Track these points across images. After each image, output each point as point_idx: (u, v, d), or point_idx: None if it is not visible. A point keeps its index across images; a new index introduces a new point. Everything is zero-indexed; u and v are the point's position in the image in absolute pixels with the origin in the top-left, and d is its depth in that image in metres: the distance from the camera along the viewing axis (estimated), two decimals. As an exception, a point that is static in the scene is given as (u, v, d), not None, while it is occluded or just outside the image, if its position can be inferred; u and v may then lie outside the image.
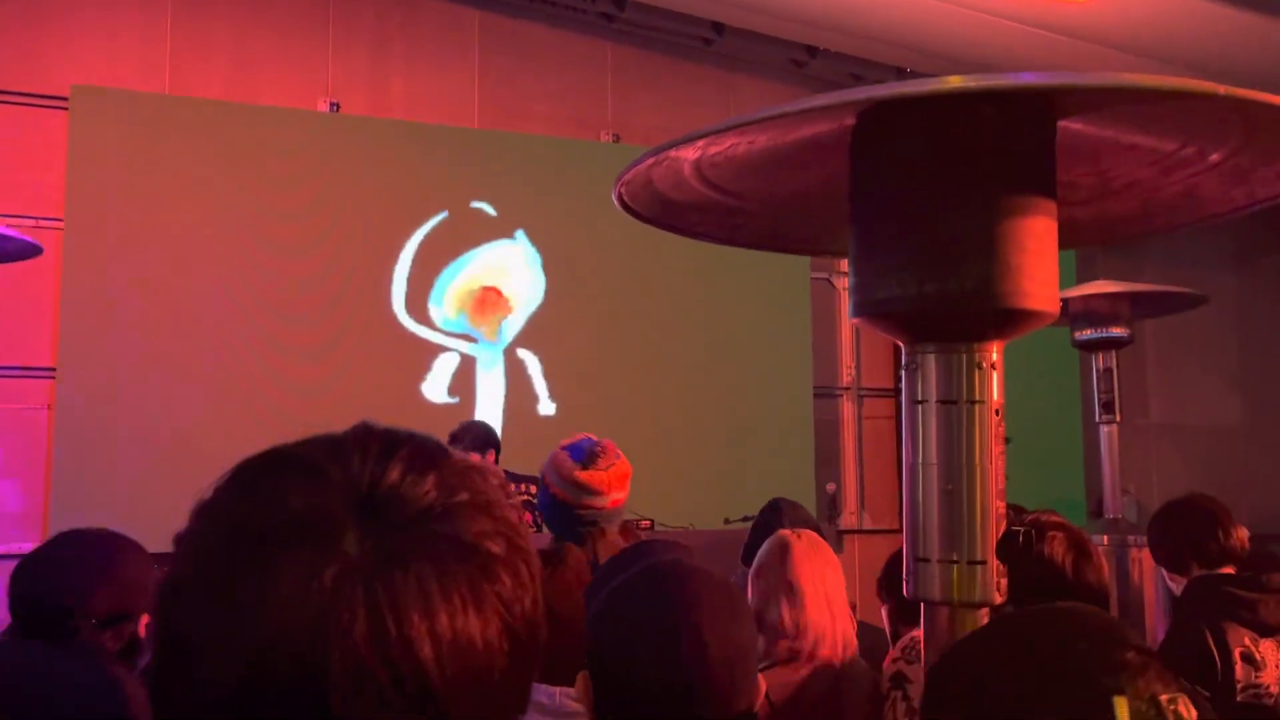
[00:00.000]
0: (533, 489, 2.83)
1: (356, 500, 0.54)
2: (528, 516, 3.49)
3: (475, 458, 3.02)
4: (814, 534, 2.12)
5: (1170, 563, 2.79)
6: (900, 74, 6.49)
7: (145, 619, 1.56)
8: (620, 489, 2.24)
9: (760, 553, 2.10)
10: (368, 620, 0.50)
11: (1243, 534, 2.71)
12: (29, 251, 3.04)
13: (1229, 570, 2.66)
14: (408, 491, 0.55)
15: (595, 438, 2.33)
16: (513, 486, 3.97)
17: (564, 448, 2.29)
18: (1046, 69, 5.75)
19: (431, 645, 0.51)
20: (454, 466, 0.59)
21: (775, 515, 2.70)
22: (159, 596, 0.55)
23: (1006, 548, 1.22)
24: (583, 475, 2.21)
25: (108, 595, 1.54)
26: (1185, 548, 2.73)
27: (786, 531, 2.11)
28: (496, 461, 4.15)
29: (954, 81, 1.02)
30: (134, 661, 1.55)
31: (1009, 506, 1.27)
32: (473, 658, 0.53)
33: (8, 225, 4.71)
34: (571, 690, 1.34)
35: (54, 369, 4.79)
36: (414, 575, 0.52)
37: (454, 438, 4.14)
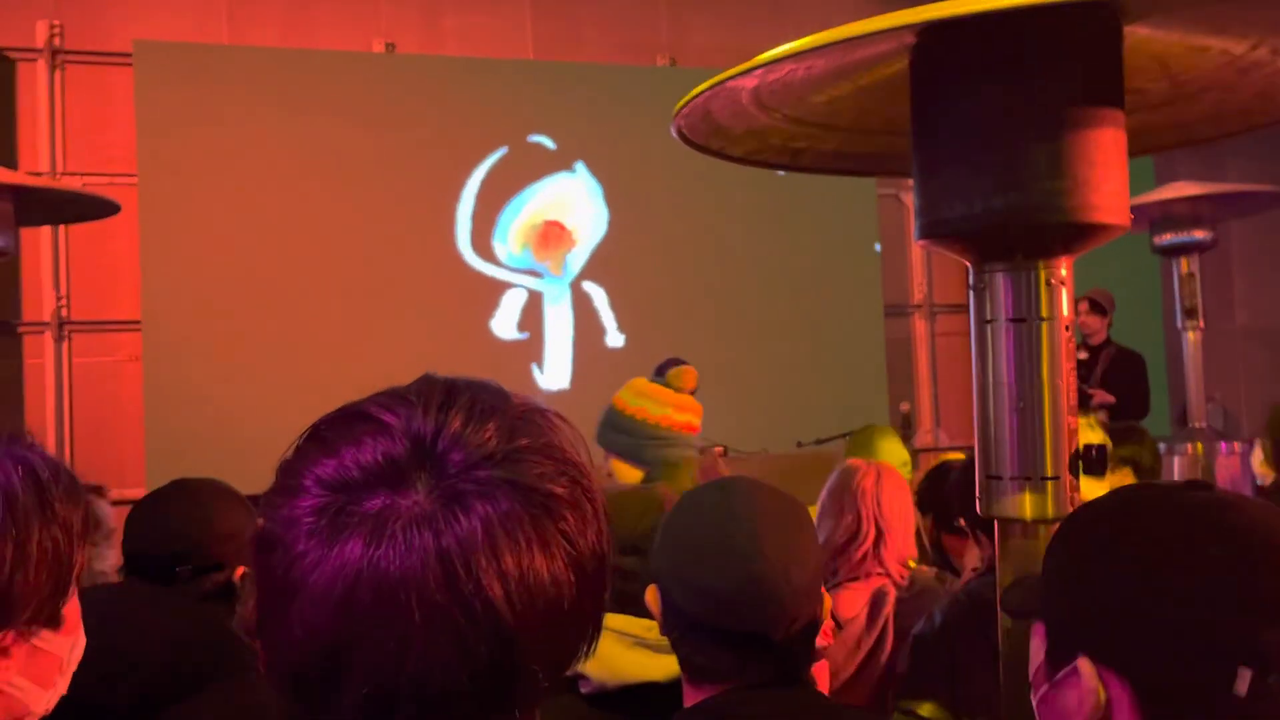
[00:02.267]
0: None
1: (421, 450, 0.58)
2: None
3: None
4: (885, 464, 2.14)
5: None
6: (963, -23, 6.27)
7: (240, 570, 1.64)
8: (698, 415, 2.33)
9: (830, 480, 2.12)
10: (440, 565, 0.54)
11: None
12: (108, 209, 3.12)
13: None
14: (470, 439, 0.58)
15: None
16: None
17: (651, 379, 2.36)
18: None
19: (500, 584, 0.54)
20: (514, 412, 0.61)
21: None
22: (254, 548, 0.60)
23: (1081, 462, 1.22)
24: (675, 397, 2.30)
25: (205, 545, 1.62)
26: None
27: (854, 460, 2.13)
28: None
29: (1014, -5, 1.00)
30: (231, 606, 1.64)
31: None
32: (540, 593, 0.56)
33: (86, 184, 4.86)
34: None
35: (139, 321, 4.96)
36: (478, 519, 0.55)
37: (660, 370, 4.41)
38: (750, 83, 1.29)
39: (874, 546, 1.99)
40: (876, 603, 1.96)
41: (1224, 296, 6.83)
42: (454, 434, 0.58)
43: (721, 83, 1.21)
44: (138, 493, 4.62)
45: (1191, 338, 4.39)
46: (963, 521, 2.16)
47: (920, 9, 1.06)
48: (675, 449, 2.26)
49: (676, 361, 4.63)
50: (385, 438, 0.58)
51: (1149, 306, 6.17)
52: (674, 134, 1.40)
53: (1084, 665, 0.81)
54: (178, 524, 1.63)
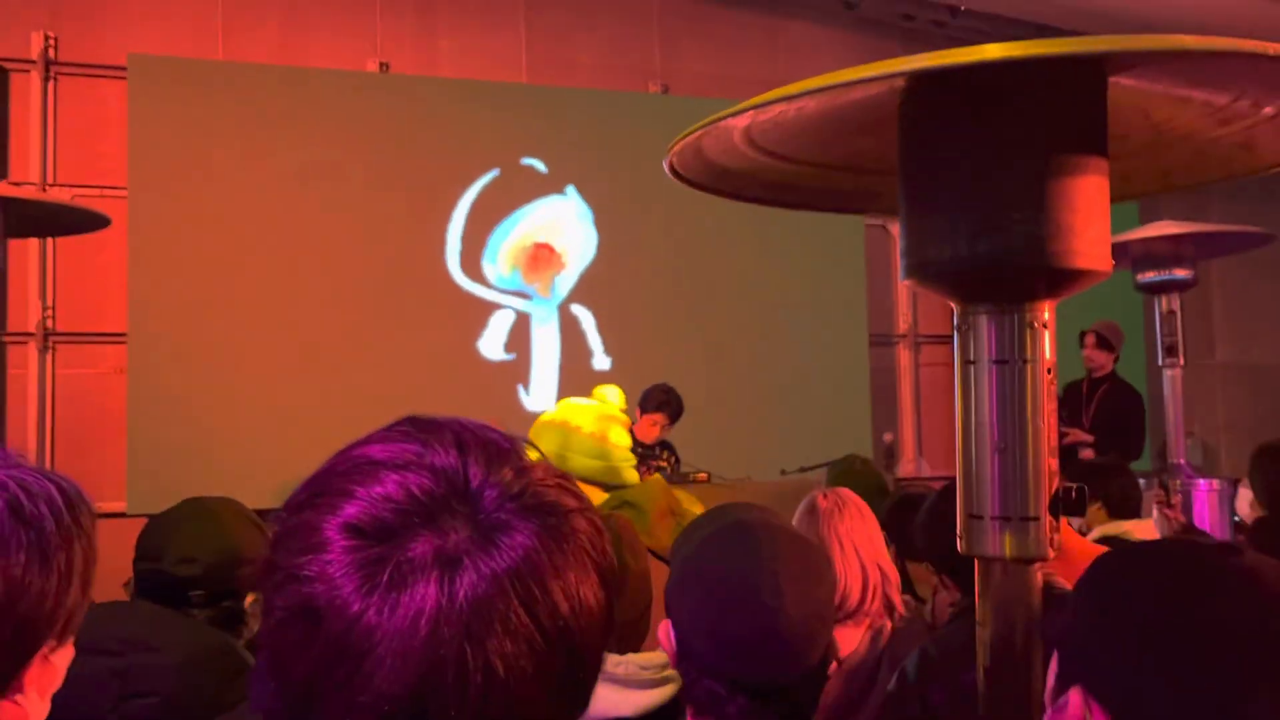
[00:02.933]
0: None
1: (455, 487, 0.60)
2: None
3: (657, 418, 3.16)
4: (845, 492, 2.14)
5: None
6: (953, 12, 6.35)
7: (252, 598, 1.63)
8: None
9: (795, 516, 2.13)
10: (515, 590, 0.57)
11: None
12: (98, 222, 3.13)
13: None
14: (496, 476, 0.61)
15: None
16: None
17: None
18: (1111, 5, 5.59)
19: (565, 597, 0.59)
20: (512, 448, 0.65)
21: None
22: (292, 617, 0.58)
23: (1059, 504, 1.24)
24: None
25: (222, 571, 1.61)
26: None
27: (817, 492, 2.14)
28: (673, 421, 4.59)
29: (1000, 50, 1.02)
30: (238, 631, 1.63)
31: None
32: (587, 605, 0.60)
33: (75, 196, 4.86)
34: (641, 658, 1.38)
35: (125, 334, 4.95)
36: (530, 546, 0.59)
37: (647, 396, 4.68)
38: (742, 122, 1.32)
39: (863, 597, 1.99)
40: (874, 639, 1.96)
41: (1204, 333, 6.91)
42: (482, 472, 0.61)
43: (714, 122, 1.23)
44: (118, 505, 4.63)
45: (1172, 374, 4.44)
46: (930, 566, 2.17)
47: (912, 58, 1.08)
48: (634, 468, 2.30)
49: (668, 391, 4.69)
50: (411, 475, 0.59)
51: (1132, 342, 6.22)
52: (666, 170, 1.42)
53: (1074, 696, 0.84)
54: (195, 548, 1.62)
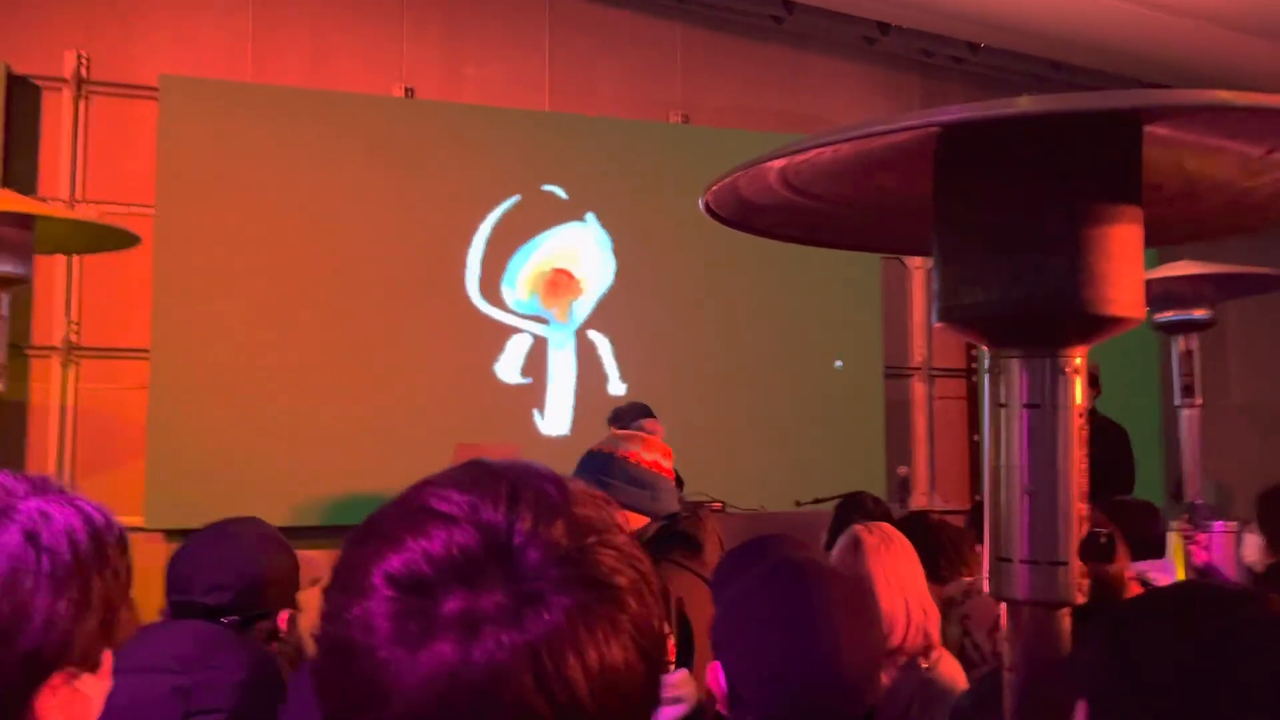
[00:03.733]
0: None
1: (496, 549, 0.59)
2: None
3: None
4: (888, 526, 2.14)
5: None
6: (972, 49, 6.39)
7: (285, 615, 1.65)
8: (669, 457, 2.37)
9: (835, 549, 2.13)
10: (531, 665, 0.56)
11: None
12: (128, 241, 3.17)
13: None
14: (543, 536, 0.60)
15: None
16: None
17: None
18: (1125, 39, 5.63)
19: (586, 680, 0.57)
20: (576, 507, 0.63)
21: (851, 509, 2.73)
22: (326, 653, 0.60)
23: (1088, 549, 1.24)
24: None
25: (253, 595, 1.63)
26: None
27: (859, 526, 2.14)
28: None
29: (1036, 102, 1.04)
30: (274, 647, 1.65)
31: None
32: (616, 681, 0.59)
33: (102, 213, 4.92)
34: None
35: (148, 350, 4.98)
36: (563, 618, 0.58)
37: (618, 416, 4.46)
38: (778, 163, 1.34)
39: (905, 635, 1.99)
40: (907, 676, 1.96)
41: (1219, 375, 6.89)
42: (528, 531, 0.60)
43: (754, 164, 1.25)
44: (135, 521, 4.65)
45: (1188, 414, 4.43)
46: None
47: (946, 109, 1.10)
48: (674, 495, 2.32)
49: (644, 409, 4.67)
50: (457, 530, 0.60)
51: (1148, 382, 6.22)
52: (701, 207, 1.44)
53: None
54: (222, 575, 1.63)
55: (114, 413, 5.05)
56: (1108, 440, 5.12)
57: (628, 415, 4.46)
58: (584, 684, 0.57)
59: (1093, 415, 5.22)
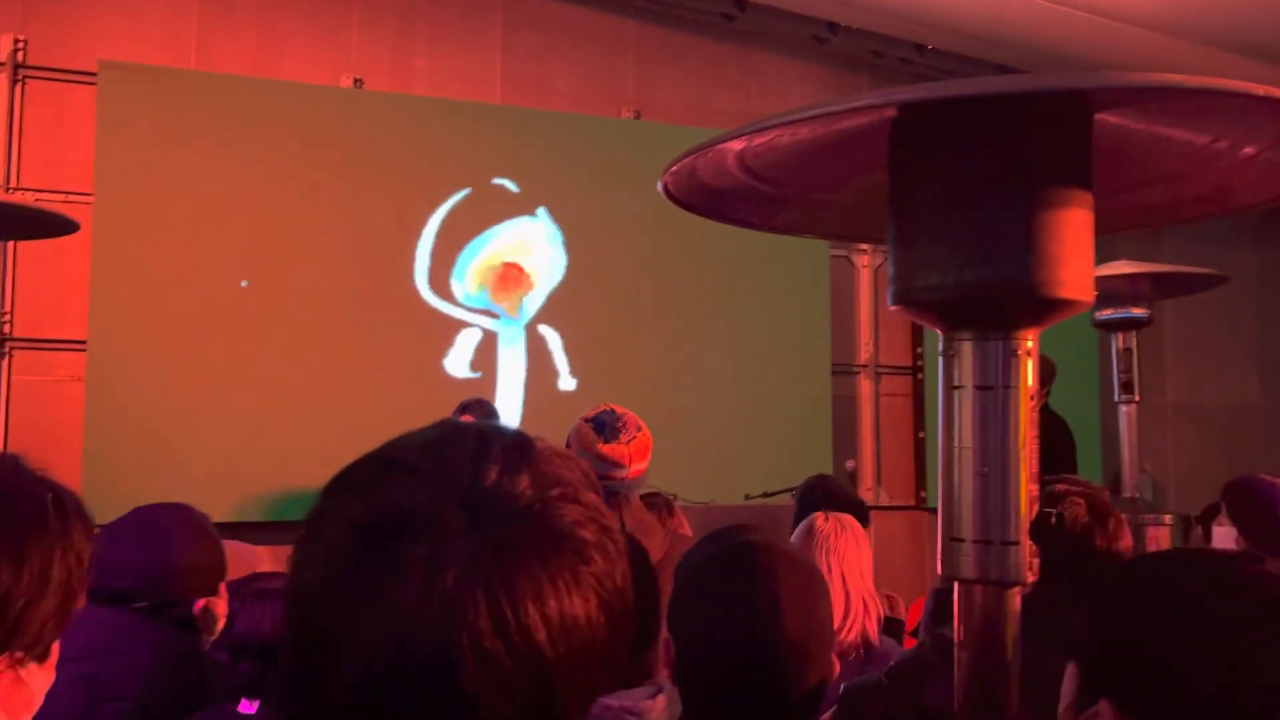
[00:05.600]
0: None
1: (461, 499, 0.60)
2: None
3: None
4: (846, 517, 2.16)
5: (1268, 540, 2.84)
6: (920, 51, 6.48)
7: (200, 603, 1.62)
8: (641, 460, 2.31)
9: (794, 535, 2.14)
10: (489, 610, 0.56)
11: None
12: (67, 227, 3.09)
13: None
14: (507, 489, 0.61)
15: (617, 409, 2.38)
16: None
17: (587, 420, 2.35)
18: (1071, 44, 5.75)
19: (545, 628, 0.58)
20: (543, 461, 0.64)
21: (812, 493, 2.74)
22: (287, 600, 0.61)
23: (1039, 528, 1.26)
24: (605, 449, 2.27)
25: (162, 581, 1.60)
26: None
27: (819, 514, 2.16)
28: None
29: (994, 82, 1.06)
30: (198, 636, 1.62)
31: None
32: (578, 634, 0.59)
33: (39, 200, 4.79)
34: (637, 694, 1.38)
35: (84, 342, 4.86)
36: (524, 567, 0.58)
37: (465, 407, 4.38)
38: (737, 145, 1.34)
39: (840, 627, 2.01)
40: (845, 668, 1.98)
41: (1156, 372, 7.05)
42: (492, 484, 0.61)
43: (713, 143, 1.25)
44: (70, 517, 4.52)
45: (1127, 410, 4.53)
46: None
47: (904, 88, 1.12)
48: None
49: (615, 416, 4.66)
50: (421, 485, 0.60)
51: (1087, 378, 6.35)
52: (660, 190, 1.44)
53: (1105, 709, 0.85)
54: (133, 560, 1.60)
55: (49, 406, 4.92)
56: (1054, 435, 5.16)
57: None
58: (543, 632, 0.57)
59: (1042, 410, 5.27)
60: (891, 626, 3.72)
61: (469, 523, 0.58)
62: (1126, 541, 1.95)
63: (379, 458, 0.64)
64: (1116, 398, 4.62)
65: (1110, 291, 4.40)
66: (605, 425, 2.31)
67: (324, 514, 0.61)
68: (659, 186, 1.42)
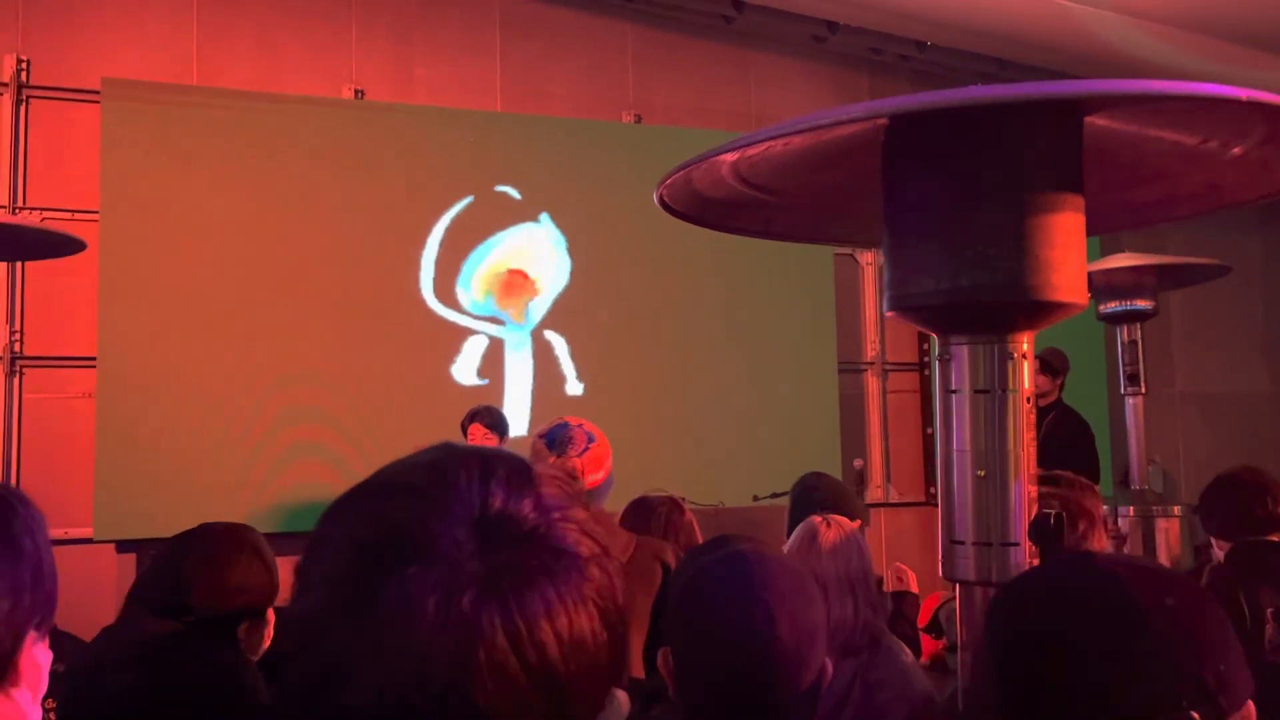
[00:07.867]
0: None
1: (471, 523, 0.62)
2: None
3: (494, 440, 3.11)
4: (844, 520, 2.16)
5: (1221, 531, 2.88)
6: (920, 47, 6.48)
7: (246, 624, 1.65)
8: (595, 470, 2.31)
9: (790, 540, 2.15)
10: (505, 629, 0.58)
11: None
12: (73, 246, 3.12)
13: (1274, 538, 2.75)
14: (513, 512, 0.63)
15: (571, 421, 2.39)
16: None
17: (541, 435, 2.36)
18: (1068, 37, 5.74)
19: (557, 644, 0.60)
20: (542, 484, 0.66)
21: (809, 493, 2.73)
22: (295, 628, 0.62)
23: (1038, 530, 1.28)
24: (556, 464, 2.28)
25: (212, 599, 1.62)
26: (1234, 515, 2.82)
27: (817, 518, 2.16)
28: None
29: (984, 92, 1.07)
30: (240, 651, 1.64)
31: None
32: (585, 648, 0.61)
33: (45, 219, 4.82)
34: None
35: (94, 359, 4.90)
36: (535, 587, 0.60)
37: (473, 415, 4.40)
38: (731, 156, 1.35)
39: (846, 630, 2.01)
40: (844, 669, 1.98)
41: (1164, 363, 7.04)
42: (500, 508, 0.63)
43: (706, 157, 1.27)
44: (85, 533, 4.57)
45: (1134, 402, 4.53)
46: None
47: (896, 99, 1.13)
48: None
49: (566, 429, 4.64)
50: (432, 508, 0.62)
51: (1094, 371, 6.34)
52: (656, 201, 1.45)
53: None
54: (185, 574, 1.64)
55: (61, 423, 4.95)
56: (1069, 433, 5.14)
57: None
58: (556, 647, 0.59)
59: (1057, 406, 5.24)
60: (901, 601, 3.74)
61: (481, 545, 0.61)
62: (1099, 543, 1.95)
63: (384, 482, 0.65)
64: (1123, 390, 4.61)
65: (1114, 284, 4.40)
66: (555, 440, 2.33)
67: (329, 538, 0.63)
68: (655, 198, 1.44)
